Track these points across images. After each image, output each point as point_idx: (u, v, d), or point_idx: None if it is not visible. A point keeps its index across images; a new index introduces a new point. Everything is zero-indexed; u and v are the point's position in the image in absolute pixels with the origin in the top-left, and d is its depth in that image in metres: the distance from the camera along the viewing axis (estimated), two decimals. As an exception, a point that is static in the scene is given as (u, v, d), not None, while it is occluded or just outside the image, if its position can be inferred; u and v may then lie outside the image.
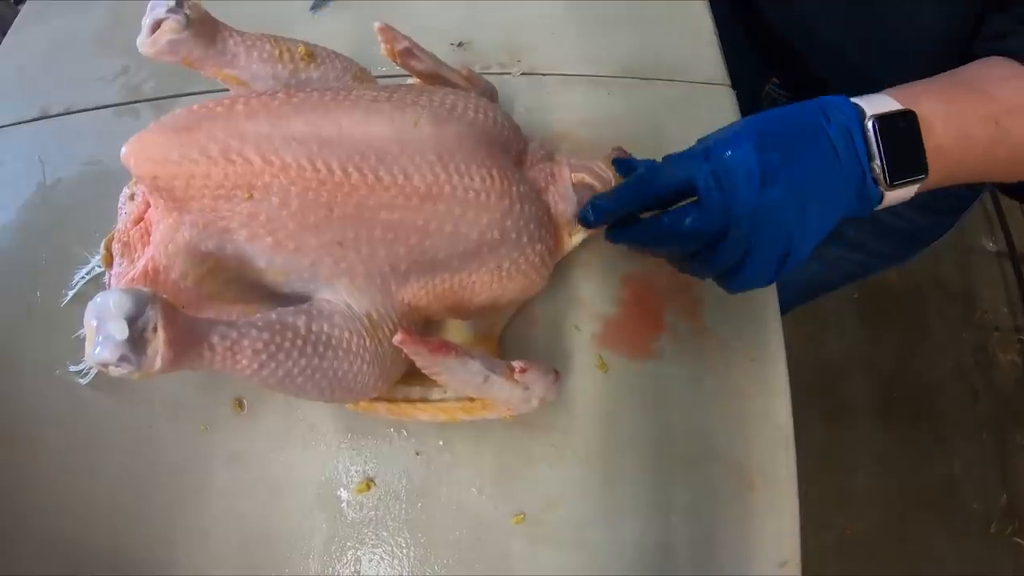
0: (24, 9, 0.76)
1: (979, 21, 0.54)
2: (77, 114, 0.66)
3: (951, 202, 0.76)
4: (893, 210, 0.71)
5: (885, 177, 0.41)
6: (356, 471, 0.50)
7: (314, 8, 0.68)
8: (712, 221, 0.41)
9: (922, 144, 0.42)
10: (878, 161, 0.41)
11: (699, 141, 0.44)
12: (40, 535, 0.50)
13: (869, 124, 0.41)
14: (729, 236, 0.41)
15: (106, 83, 0.67)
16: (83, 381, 0.53)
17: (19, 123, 0.67)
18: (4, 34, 0.75)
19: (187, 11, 0.41)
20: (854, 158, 0.41)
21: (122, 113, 0.66)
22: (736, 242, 0.41)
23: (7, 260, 0.59)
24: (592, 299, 0.54)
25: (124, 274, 0.43)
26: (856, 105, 0.42)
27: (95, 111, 0.66)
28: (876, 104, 0.42)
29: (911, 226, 0.79)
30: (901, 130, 0.42)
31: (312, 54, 0.45)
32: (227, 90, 0.60)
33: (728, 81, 0.64)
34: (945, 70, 0.48)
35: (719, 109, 0.62)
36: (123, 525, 0.50)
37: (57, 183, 0.63)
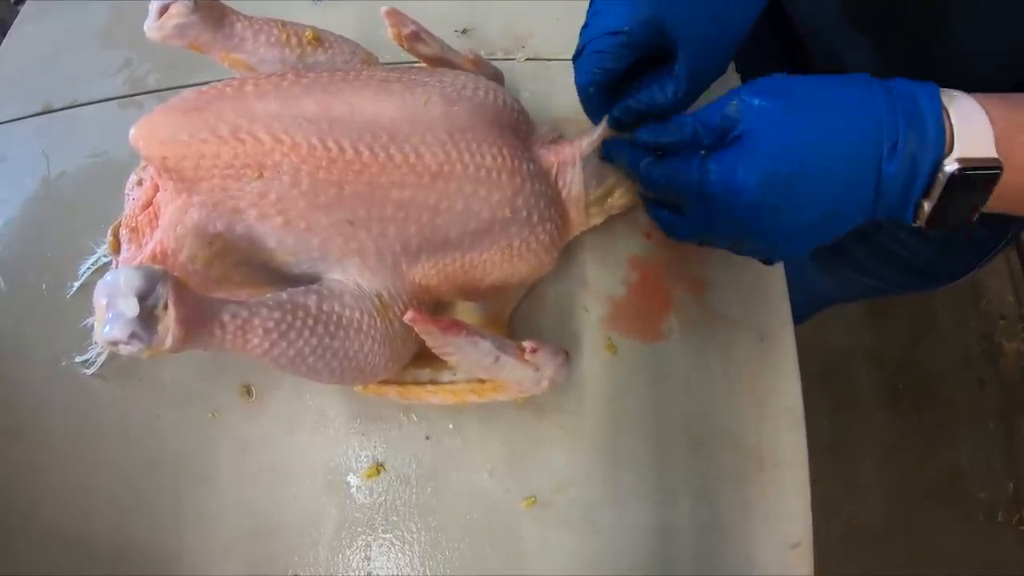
0: (26, 5, 0.76)
1: None
2: (80, 107, 0.66)
3: (971, 245, 0.70)
4: (906, 245, 0.66)
5: (920, 220, 0.37)
6: (366, 456, 0.50)
7: (317, -2, 0.68)
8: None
9: (986, 202, 0.37)
10: (927, 206, 0.36)
11: None
12: (48, 525, 0.50)
13: (948, 168, 0.35)
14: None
15: (109, 76, 0.67)
16: (89, 371, 0.53)
17: (22, 118, 0.67)
18: (3, 33, 0.75)
19: None
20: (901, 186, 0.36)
21: (126, 106, 0.66)
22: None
23: (12, 253, 0.59)
24: (600, 281, 0.54)
25: (132, 259, 0.42)
26: (943, 130, 0.36)
27: (98, 104, 0.66)
28: (969, 134, 0.35)
29: (924, 263, 0.74)
30: (974, 182, 0.36)
31: (319, 38, 0.45)
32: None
33: (732, 65, 0.64)
34: None
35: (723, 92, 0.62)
36: (131, 514, 0.50)
37: (61, 176, 0.63)
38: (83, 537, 0.50)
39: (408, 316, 0.38)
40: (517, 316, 0.52)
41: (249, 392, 0.52)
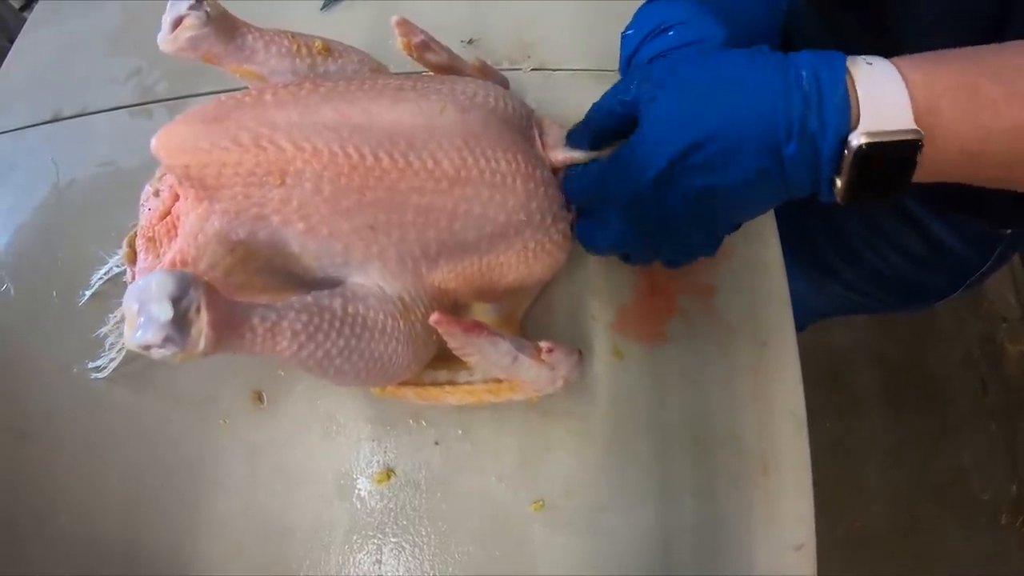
0: (34, 12, 0.77)
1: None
2: (90, 115, 0.67)
3: (956, 263, 0.70)
4: (890, 263, 0.67)
5: (837, 197, 0.35)
6: (376, 461, 0.51)
7: (325, 7, 0.69)
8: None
9: (911, 174, 0.34)
10: (840, 182, 0.35)
11: None
12: (61, 528, 0.51)
13: (855, 142, 0.33)
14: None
15: (119, 84, 0.68)
16: (100, 376, 0.53)
17: (32, 125, 0.67)
18: (9, 39, 0.75)
19: (207, 8, 0.42)
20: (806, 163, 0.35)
21: (136, 114, 0.66)
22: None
23: (23, 260, 0.60)
24: (607, 287, 0.55)
25: (149, 269, 0.43)
26: (847, 103, 0.33)
27: (108, 112, 0.67)
28: (878, 104, 0.33)
29: (908, 281, 0.75)
30: (891, 154, 0.33)
31: (329, 48, 0.45)
32: (241, 89, 0.61)
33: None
34: None
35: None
36: (142, 520, 0.51)
37: (71, 184, 0.63)
38: (95, 540, 0.50)
39: (433, 318, 0.39)
40: (528, 323, 0.53)
41: (260, 398, 0.53)
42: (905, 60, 0.35)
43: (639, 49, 0.48)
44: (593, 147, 0.44)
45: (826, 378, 1.50)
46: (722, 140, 0.35)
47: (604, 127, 0.43)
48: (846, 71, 0.34)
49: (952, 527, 1.39)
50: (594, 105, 0.43)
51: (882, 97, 0.33)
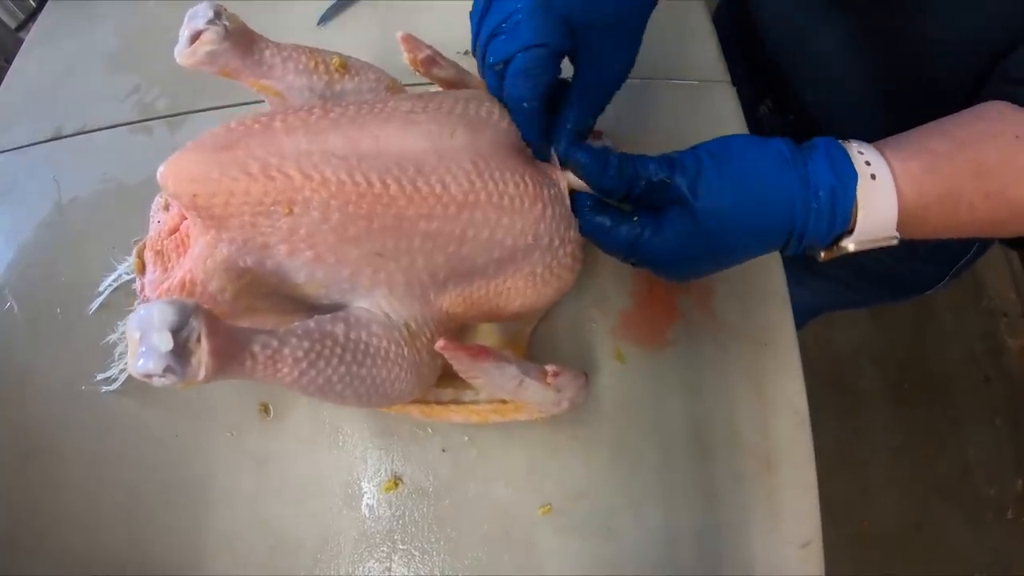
0: (31, 32, 0.77)
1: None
2: (91, 133, 0.67)
3: (937, 251, 0.73)
4: (871, 255, 0.72)
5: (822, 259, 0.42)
6: (384, 470, 0.51)
7: (322, 21, 0.69)
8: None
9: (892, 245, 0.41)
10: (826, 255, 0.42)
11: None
12: (65, 545, 0.51)
13: (844, 244, 0.41)
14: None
15: (119, 102, 0.68)
16: (111, 388, 0.53)
17: (33, 143, 0.67)
18: (5, 59, 0.75)
19: (226, 22, 0.41)
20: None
21: (136, 131, 0.66)
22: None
23: (26, 278, 0.60)
24: (608, 293, 0.55)
25: (158, 282, 0.43)
26: (848, 222, 0.40)
27: (109, 130, 0.67)
28: (873, 225, 0.40)
29: (893, 273, 0.76)
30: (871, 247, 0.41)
31: (346, 65, 0.45)
32: (240, 105, 0.61)
33: (728, 77, 0.65)
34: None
35: (720, 106, 0.63)
36: (151, 533, 0.51)
37: (73, 201, 0.63)
38: (99, 557, 0.51)
39: (439, 345, 0.39)
40: (533, 337, 0.53)
41: (267, 410, 0.53)
42: (901, 168, 0.40)
43: (486, 52, 0.43)
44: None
45: (829, 378, 1.50)
46: (749, 242, 0.42)
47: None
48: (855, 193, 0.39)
49: (959, 523, 1.39)
50: (624, 161, 0.41)
51: (877, 216, 0.40)
